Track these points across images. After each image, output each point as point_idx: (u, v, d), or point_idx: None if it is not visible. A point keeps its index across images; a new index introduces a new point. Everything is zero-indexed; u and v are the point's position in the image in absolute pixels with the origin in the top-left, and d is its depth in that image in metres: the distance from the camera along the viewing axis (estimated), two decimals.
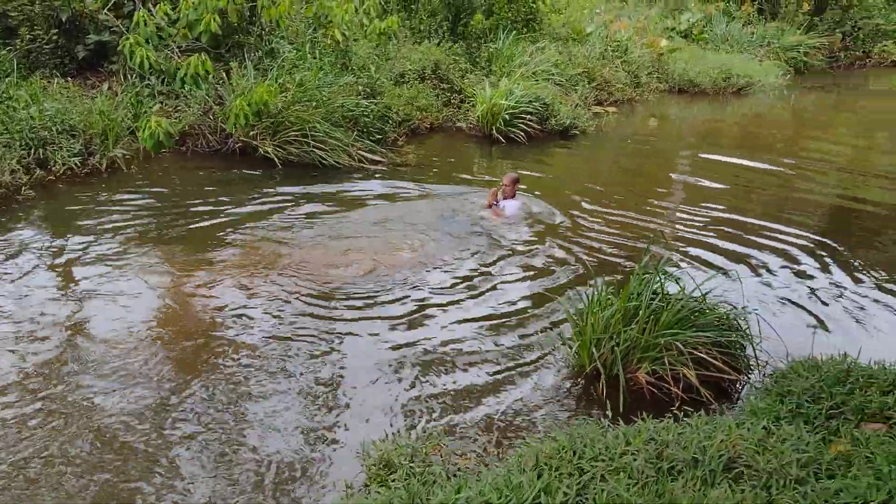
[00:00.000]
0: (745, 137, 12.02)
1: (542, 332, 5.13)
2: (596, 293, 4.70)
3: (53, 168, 7.65)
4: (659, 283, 4.57)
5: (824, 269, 6.42)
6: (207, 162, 8.69)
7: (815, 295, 5.87)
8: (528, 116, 10.57)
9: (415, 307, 5.43)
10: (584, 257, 6.45)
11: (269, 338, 4.89)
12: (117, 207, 7.15)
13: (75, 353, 4.59)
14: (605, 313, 4.53)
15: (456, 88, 11.66)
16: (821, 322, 5.44)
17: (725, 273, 6.16)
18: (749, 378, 4.57)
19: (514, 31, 13.18)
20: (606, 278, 5.86)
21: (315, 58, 9.98)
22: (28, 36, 9.36)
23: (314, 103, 8.90)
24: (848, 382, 3.74)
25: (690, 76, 15.21)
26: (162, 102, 9.10)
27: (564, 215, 7.52)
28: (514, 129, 10.45)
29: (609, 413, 4.22)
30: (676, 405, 3.95)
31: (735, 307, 4.80)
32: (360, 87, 9.94)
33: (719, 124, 13.31)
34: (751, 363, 4.64)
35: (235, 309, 5.24)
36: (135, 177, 8.10)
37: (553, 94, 11.34)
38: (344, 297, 5.52)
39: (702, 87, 15.15)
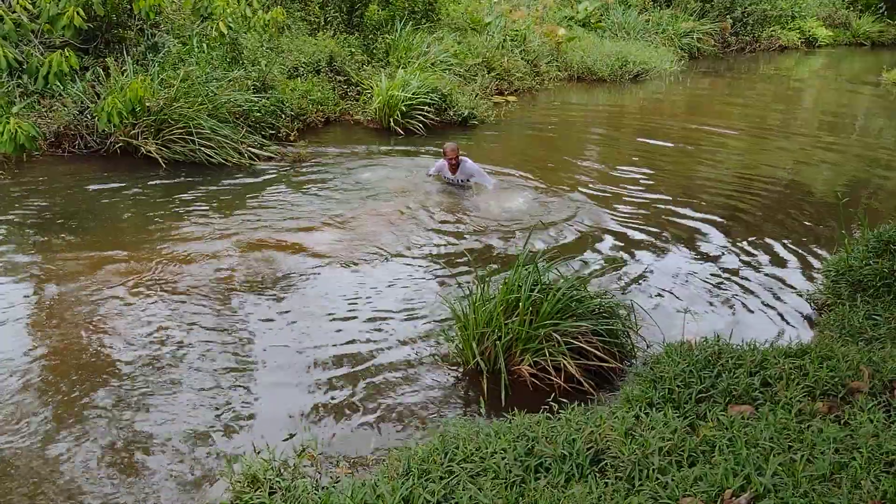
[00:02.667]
0: (644, 121, 12.27)
1: (429, 328, 5.03)
2: (478, 286, 4.63)
3: None
4: (538, 273, 4.53)
5: (712, 249, 6.56)
6: (85, 164, 8.22)
7: (697, 277, 5.98)
8: (426, 108, 10.45)
9: (299, 304, 5.27)
10: (491, 244, 6.43)
11: (148, 347, 4.63)
12: None
13: None
14: (487, 306, 4.48)
15: (352, 81, 11.44)
16: (699, 305, 5.54)
17: (611, 259, 6.22)
18: (629, 365, 4.60)
19: (412, 22, 13.03)
20: (495, 267, 5.82)
21: (203, 52, 9.58)
22: None
23: (199, 99, 8.54)
24: (717, 365, 3.79)
25: (588, 64, 15.40)
26: (36, 102, 8.55)
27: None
28: (411, 121, 10.33)
29: (490, 409, 4.16)
30: (552, 397, 3.91)
31: (615, 295, 4.83)
32: (251, 82, 9.61)
33: (619, 109, 13.53)
34: (631, 350, 4.67)
35: (115, 319, 4.95)
36: (5, 184, 7.58)
37: (451, 85, 11.25)
38: (220, 296, 5.29)
39: (600, 75, 15.37)
